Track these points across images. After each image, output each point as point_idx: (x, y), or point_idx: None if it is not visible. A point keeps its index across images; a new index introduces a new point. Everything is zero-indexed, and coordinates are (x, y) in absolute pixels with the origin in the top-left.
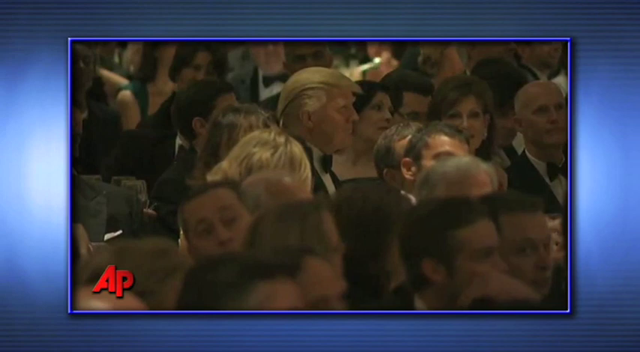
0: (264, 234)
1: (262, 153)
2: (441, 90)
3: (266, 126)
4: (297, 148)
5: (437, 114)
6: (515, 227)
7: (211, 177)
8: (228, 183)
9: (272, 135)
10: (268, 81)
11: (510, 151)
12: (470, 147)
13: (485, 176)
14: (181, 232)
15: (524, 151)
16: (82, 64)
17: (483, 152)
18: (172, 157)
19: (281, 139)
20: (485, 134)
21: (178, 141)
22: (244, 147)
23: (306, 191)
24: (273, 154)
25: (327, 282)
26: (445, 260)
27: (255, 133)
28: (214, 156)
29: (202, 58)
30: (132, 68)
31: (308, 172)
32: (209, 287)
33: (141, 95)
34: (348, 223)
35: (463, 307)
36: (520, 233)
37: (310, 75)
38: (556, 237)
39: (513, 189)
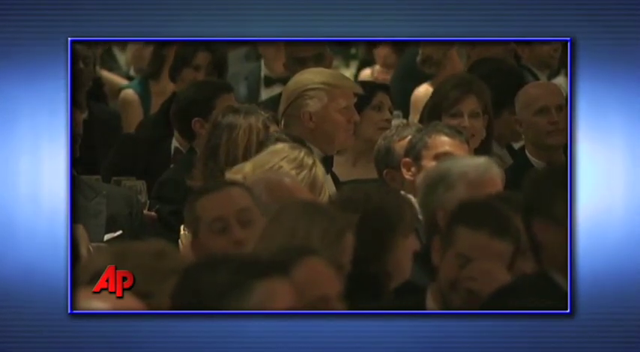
0: (285, 223)
1: (287, 170)
2: (441, 89)
3: (265, 126)
4: (320, 172)
5: (437, 112)
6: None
7: (231, 175)
8: (241, 183)
9: (301, 154)
10: (269, 82)
11: (509, 150)
12: (469, 147)
13: (499, 178)
14: (182, 231)
15: (522, 148)
16: (81, 65)
17: (482, 152)
18: (169, 159)
19: (309, 161)
20: (484, 134)
21: (175, 142)
22: (272, 157)
23: (306, 192)
24: (297, 174)
25: (327, 282)
26: (444, 244)
27: (286, 147)
28: (214, 156)
29: (202, 58)
30: (133, 68)
31: (326, 198)
32: (205, 287)
33: (144, 94)
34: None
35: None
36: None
37: (312, 75)
38: None
39: (516, 191)
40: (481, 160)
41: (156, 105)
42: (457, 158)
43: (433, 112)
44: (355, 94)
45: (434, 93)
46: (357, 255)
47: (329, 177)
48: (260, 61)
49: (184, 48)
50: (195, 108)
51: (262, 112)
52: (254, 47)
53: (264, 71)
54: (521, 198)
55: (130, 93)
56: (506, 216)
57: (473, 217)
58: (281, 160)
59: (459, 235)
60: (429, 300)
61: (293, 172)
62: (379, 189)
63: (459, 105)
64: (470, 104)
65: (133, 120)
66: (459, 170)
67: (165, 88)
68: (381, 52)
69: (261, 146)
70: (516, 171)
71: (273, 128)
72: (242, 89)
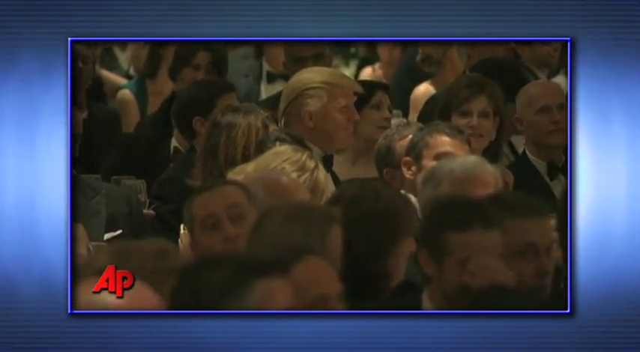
0: (268, 230)
1: (289, 171)
2: (453, 88)
3: (265, 125)
4: (322, 175)
5: (447, 111)
6: (518, 231)
7: (233, 176)
8: (236, 182)
9: (304, 157)
10: (272, 78)
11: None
12: (477, 148)
13: (490, 177)
14: (182, 230)
15: (524, 151)
16: (81, 64)
17: (491, 153)
18: (169, 158)
19: (311, 164)
20: (494, 136)
21: (174, 142)
22: (274, 158)
23: (304, 191)
24: (299, 176)
25: (327, 282)
26: (435, 256)
27: (289, 149)
28: (213, 155)
29: (202, 58)
30: (132, 67)
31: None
32: (205, 287)
33: (140, 94)
34: (358, 219)
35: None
36: (522, 237)
37: (312, 75)
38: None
39: (519, 191)
40: (471, 158)
41: (153, 105)
42: (451, 157)
43: (443, 111)
44: (355, 93)
45: (445, 92)
46: (359, 252)
47: (329, 176)
48: (262, 57)
49: (184, 47)
50: (197, 108)
51: (261, 111)
52: (256, 44)
53: (266, 67)
54: (513, 198)
55: (126, 93)
56: (484, 204)
57: (459, 219)
58: (283, 162)
59: (453, 242)
60: (425, 300)
61: (294, 174)
62: (387, 188)
63: (469, 104)
64: (480, 103)
65: (130, 120)
66: (447, 168)
67: (162, 87)
68: (384, 49)
69: (260, 145)
70: (515, 170)
71: (272, 127)
72: (242, 86)
